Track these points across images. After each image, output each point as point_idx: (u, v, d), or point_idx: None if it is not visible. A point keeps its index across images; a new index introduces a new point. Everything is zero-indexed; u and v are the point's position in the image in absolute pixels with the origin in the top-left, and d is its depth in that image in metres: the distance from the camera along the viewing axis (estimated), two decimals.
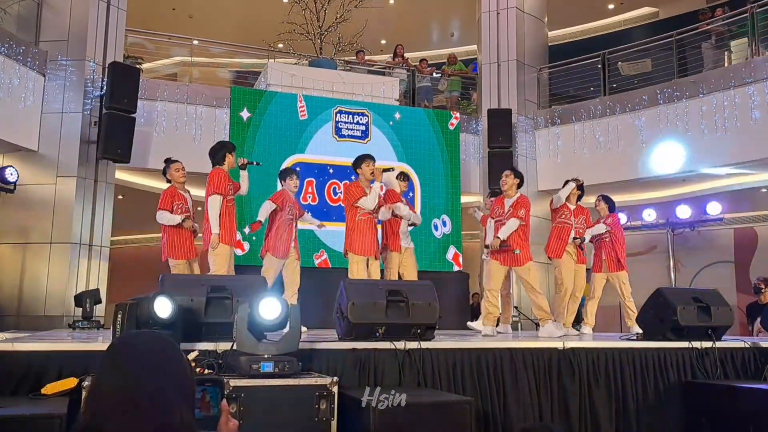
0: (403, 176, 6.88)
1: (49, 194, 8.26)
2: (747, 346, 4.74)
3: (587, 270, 6.98)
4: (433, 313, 4.10)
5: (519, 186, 6.06)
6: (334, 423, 3.01)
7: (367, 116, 9.26)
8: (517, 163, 10.23)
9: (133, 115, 8.51)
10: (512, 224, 5.76)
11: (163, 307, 3.18)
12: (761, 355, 4.71)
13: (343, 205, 6.84)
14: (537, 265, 8.88)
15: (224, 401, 1.61)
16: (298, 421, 2.97)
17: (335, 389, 3.03)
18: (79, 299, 7.17)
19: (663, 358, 4.47)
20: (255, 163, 6.20)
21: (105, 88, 8.50)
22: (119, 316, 3.20)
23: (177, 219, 5.67)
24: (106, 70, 8.57)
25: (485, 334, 5.61)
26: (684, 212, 10.60)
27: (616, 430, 4.24)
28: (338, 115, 9.13)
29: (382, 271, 6.38)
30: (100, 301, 7.46)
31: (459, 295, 8.72)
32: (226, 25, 13.74)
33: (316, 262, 8.59)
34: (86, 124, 8.49)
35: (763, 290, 8.03)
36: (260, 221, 5.98)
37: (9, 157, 8.26)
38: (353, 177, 6.30)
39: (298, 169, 7.49)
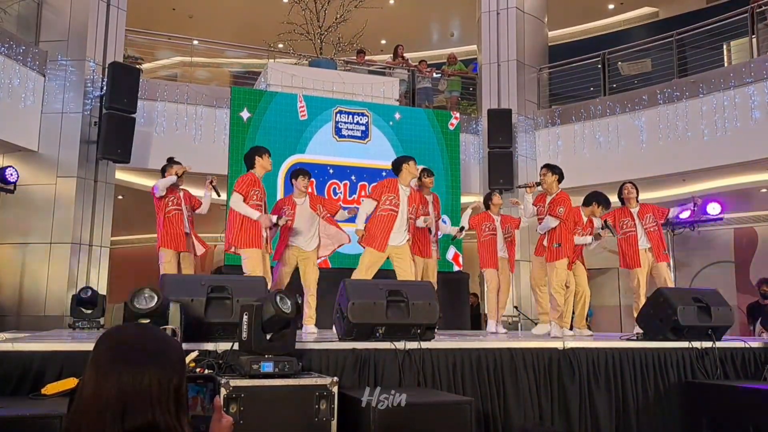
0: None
1: (49, 194, 8.26)
2: (747, 346, 4.75)
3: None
4: (433, 313, 4.10)
5: (559, 181, 5.99)
6: (334, 423, 3.01)
7: (367, 116, 9.25)
8: (517, 163, 10.22)
9: (133, 115, 8.51)
10: (549, 222, 5.76)
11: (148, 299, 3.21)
12: (761, 355, 4.71)
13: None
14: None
15: (217, 398, 1.58)
16: (298, 421, 2.97)
17: (335, 389, 3.03)
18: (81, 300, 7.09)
19: (663, 358, 4.47)
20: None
21: (105, 88, 8.50)
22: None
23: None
24: (106, 70, 8.56)
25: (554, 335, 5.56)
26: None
27: (616, 430, 4.24)
28: (338, 115, 9.11)
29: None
30: (96, 304, 7.33)
31: (459, 295, 8.72)
32: (226, 25, 13.72)
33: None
34: (86, 124, 8.49)
35: None
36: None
37: (9, 157, 8.25)
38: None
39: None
